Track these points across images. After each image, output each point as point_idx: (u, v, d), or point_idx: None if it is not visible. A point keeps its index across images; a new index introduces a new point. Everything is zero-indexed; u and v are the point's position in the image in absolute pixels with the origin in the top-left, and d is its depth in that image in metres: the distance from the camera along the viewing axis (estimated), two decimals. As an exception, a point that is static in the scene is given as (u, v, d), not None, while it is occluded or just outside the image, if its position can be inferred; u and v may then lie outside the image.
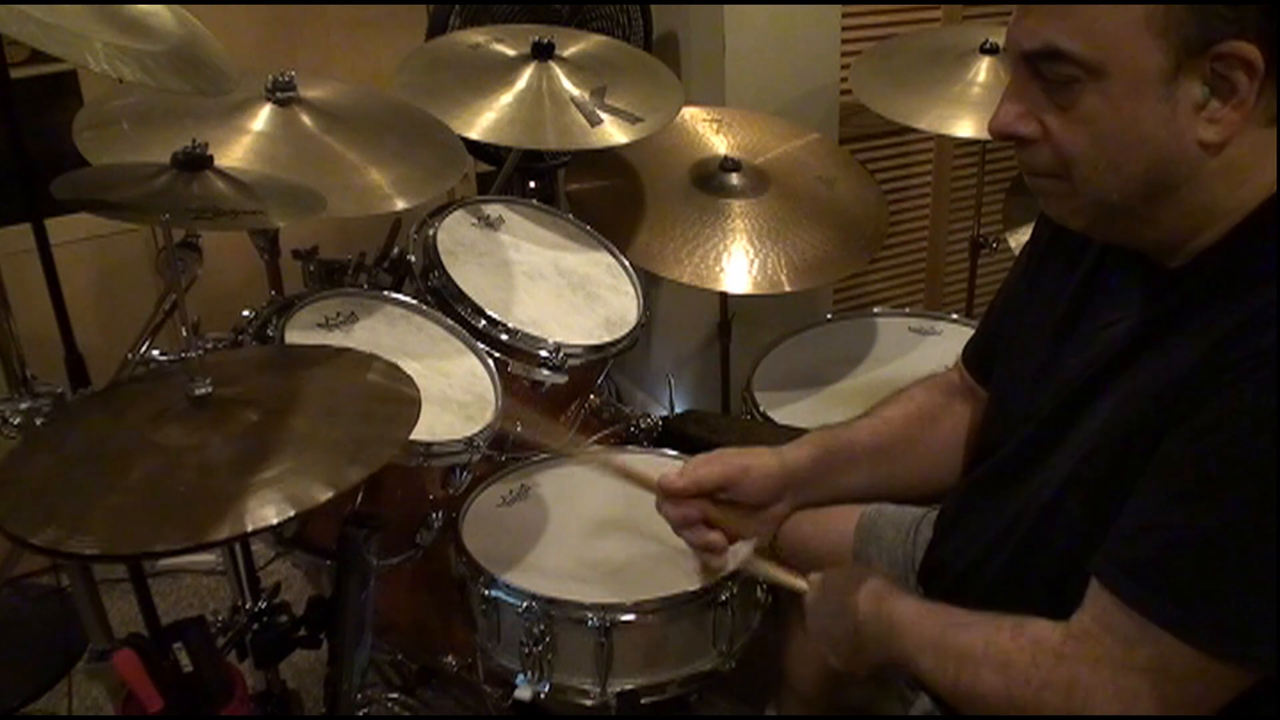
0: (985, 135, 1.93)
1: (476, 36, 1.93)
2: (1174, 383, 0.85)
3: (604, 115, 1.80)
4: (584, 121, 1.78)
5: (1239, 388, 0.80)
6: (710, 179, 1.96)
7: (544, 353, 1.56)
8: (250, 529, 0.97)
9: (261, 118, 1.56)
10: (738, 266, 1.84)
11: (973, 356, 1.27)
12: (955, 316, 2.05)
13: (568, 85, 1.83)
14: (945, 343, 1.99)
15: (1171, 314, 0.90)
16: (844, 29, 2.30)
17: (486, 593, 1.38)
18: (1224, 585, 0.80)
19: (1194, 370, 0.83)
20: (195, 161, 1.27)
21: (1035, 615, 0.94)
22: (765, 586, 1.45)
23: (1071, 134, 0.86)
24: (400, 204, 1.54)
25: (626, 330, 1.69)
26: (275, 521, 0.98)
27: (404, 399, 1.17)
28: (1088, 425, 0.95)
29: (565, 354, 1.57)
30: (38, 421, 1.30)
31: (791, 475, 1.24)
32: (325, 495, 1.00)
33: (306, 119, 1.59)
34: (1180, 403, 0.84)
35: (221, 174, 1.30)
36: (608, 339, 1.66)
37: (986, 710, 0.92)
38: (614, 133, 1.79)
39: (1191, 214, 0.87)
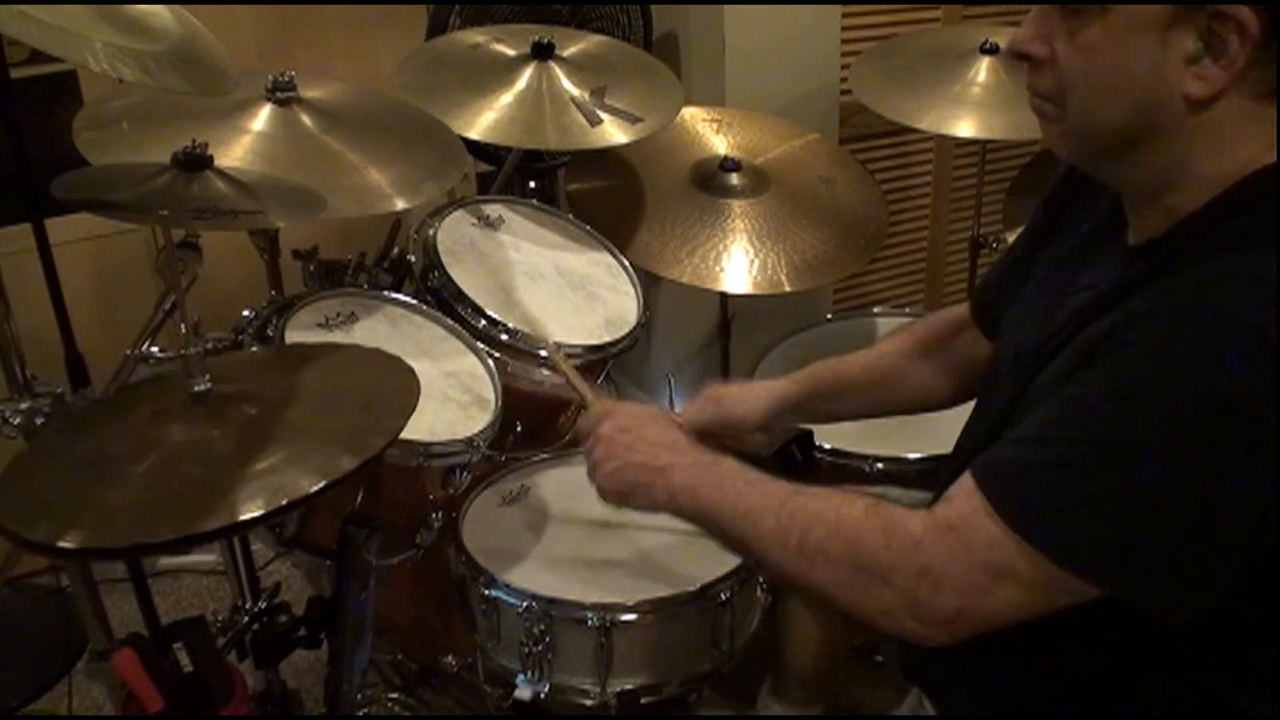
0: (985, 135, 1.94)
1: (477, 36, 1.93)
2: (1098, 333, 0.88)
3: (604, 115, 1.80)
4: (584, 121, 1.78)
5: (1143, 331, 0.83)
6: (710, 179, 1.96)
7: (544, 353, 1.56)
8: (240, 519, 0.96)
9: (261, 118, 1.56)
10: (738, 266, 1.84)
11: (977, 301, 1.30)
12: (955, 316, 2.05)
13: (568, 85, 1.83)
14: (945, 343, 1.98)
15: (1134, 281, 0.91)
16: (844, 29, 2.30)
17: (486, 593, 1.38)
18: (1075, 503, 0.84)
19: (1116, 323, 0.87)
20: (195, 161, 1.27)
21: None
22: (765, 586, 1.45)
23: (1072, 60, 0.89)
24: (400, 204, 1.54)
25: (626, 330, 1.69)
26: (264, 512, 0.97)
27: (401, 389, 1.17)
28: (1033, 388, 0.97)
29: (565, 354, 1.57)
30: (38, 421, 1.30)
31: (780, 408, 1.33)
32: (316, 485, 0.99)
33: (306, 119, 1.59)
34: (1096, 348, 0.88)
35: (221, 174, 1.30)
36: (608, 339, 1.66)
37: (824, 576, 0.94)
38: (614, 133, 1.79)
39: (1169, 167, 0.89)
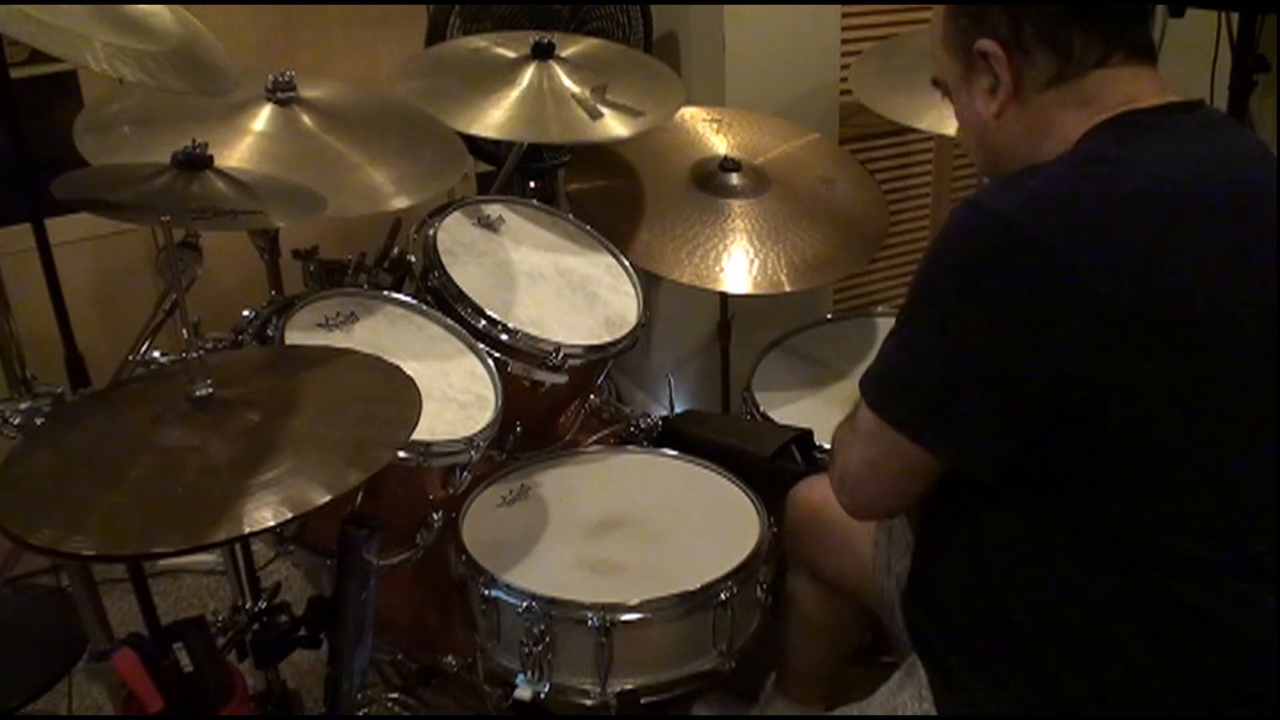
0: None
1: (477, 42, 1.93)
2: None
3: (605, 110, 1.80)
4: (585, 116, 1.78)
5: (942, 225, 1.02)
6: (710, 179, 1.96)
7: (544, 352, 1.56)
8: (247, 531, 0.97)
9: (262, 118, 1.56)
10: (738, 266, 1.84)
11: None
12: (955, 316, 2.05)
13: (568, 83, 1.83)
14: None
15: None
16: (844, 29, 2.30)
17: (486, 593, 1.38)
18: (881, 354, 1.05)
19: None
20: (195, 161, 1.27)
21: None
22: (765, 587, 1.45)
23: (958, 128, 1.17)
24: (403, 202, 1.54)
25: (626, 330, 1.69)
26: (272, 524, 0.98)
27: (404, 401, 1.17)
28: None
29: (565, 354, 1.57)
30: (38, 421, 1.30)
31: None
32: (323, 498, 1.00)
33: (307, 119, 1.59)
34: None
35: (221, 174, 1.30)
36: (608, 339, 1.66)
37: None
38: (615, 126, 1.79)
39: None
